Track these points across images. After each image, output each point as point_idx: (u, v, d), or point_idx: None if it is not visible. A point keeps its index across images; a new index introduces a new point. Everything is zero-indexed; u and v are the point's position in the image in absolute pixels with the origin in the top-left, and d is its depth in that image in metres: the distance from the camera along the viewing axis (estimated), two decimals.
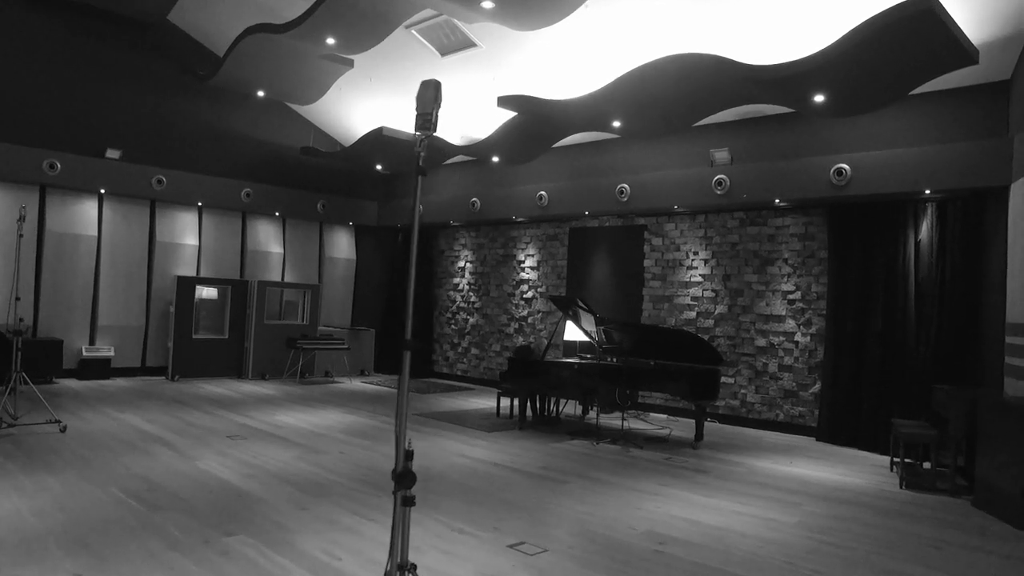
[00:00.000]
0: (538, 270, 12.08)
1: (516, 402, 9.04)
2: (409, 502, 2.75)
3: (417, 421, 8.87)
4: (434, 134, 2.85)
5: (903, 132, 7.94)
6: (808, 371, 8.99)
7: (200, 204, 12.09)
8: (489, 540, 4.59)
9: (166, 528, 4.52)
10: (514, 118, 9.61)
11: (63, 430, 7.19)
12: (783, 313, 9.25)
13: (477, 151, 10.65)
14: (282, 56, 9.93)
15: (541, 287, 11.97)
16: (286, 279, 13.23)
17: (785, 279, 9.27)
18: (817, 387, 8.88)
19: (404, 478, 2.68)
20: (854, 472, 7.06)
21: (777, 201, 8.94)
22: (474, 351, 13.02)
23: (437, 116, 2.76)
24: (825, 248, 8.93)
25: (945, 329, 7.73)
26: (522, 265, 12.32)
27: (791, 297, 9.19)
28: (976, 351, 7.50)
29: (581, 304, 8.54)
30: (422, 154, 2.82)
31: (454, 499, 5.49)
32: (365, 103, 12.01)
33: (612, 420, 9.39)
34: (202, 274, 12.23)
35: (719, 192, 9.25)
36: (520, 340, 11.98)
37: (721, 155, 9.41)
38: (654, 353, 8.53)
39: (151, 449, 6.67)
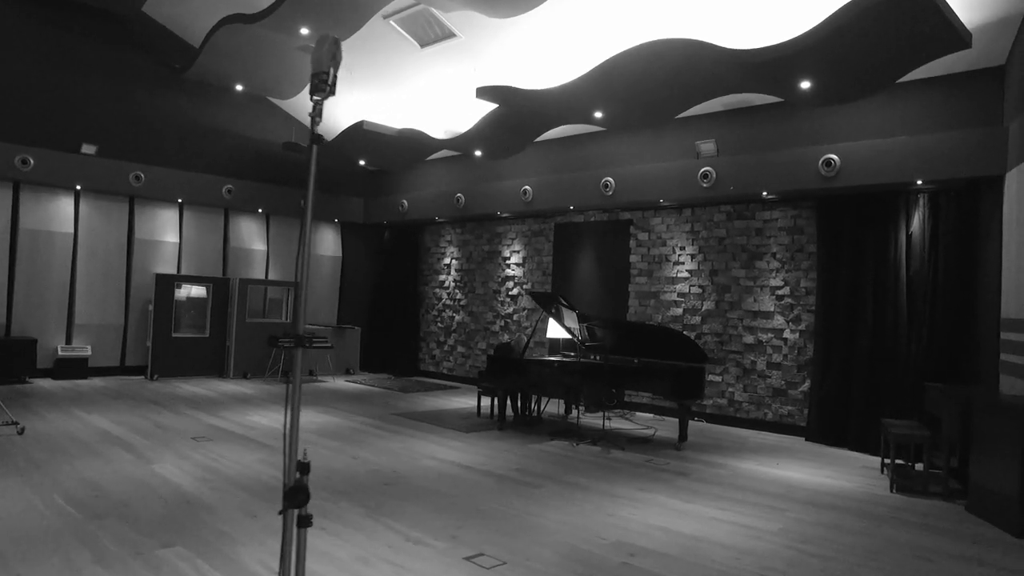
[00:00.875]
0: (523, 266, 11.69)
1: (496, 401, 8.65)
2: (305, 522, 2.34)
3: (393, 421, 8.48)
4: (333, 96, 2.45)
5: (893, 121, 7.54)
6: (797, 369, 8.60)
7: (180, 201, 11.71)
8: (445, 551, 4.20)
9: (99, 539, 4.14)
10: (495, 110, 9.23)
11: (20, 432, 6.82)
12: (771, 309, 8.85)
13: (459, 145, 10.26)
14: (258, 48, 9.55)
15: (526, 283, 11.58)
16: (270, 277, 12.85)
17: (773, 274, 8.87)
18: (806, 385, 8.49)
19: (295, 495, 2.27)
20: (842, 474, 6.67)
21: (765, 194, 8.54)
22: (460, 349, 12.63)
23: (335, 77, 2.37)
24: (814, 242, 8.53)
25: (938, 325, 7.33)
26: (507, 262, 11.94)
27: (779, 293, 8.80)
28: (970, 348, 7.10)
29: (563, 301, 8.15)
30: (317, 120, 2.43)
31: (415, 505, 5.11)
32: (347, 97, 11.62)
33: (595, 420, 9.00)
34: (183, 272, 11.85)
35: (705, 185, 8.86)
36: (505, 338, 11.59)
37: (707, 147, 9.02)
38: (638, 351, 8.14)
39: (108, 452, 6.29)
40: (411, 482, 5.76)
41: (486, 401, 9.04)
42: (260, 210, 12.60)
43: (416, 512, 4.95)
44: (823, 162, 7.84)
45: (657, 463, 6.84)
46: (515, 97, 8.39)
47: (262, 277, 12.71)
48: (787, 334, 8.70)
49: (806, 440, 8.26)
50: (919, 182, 7.34)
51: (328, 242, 13.77)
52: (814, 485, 6.20)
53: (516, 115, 9.10)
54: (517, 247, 11.80)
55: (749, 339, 9.00)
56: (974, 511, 5.43)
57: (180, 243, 11.89)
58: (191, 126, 11.81)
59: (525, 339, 8.90)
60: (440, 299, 13.09)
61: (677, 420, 7.88)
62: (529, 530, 4.67)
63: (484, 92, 8.44)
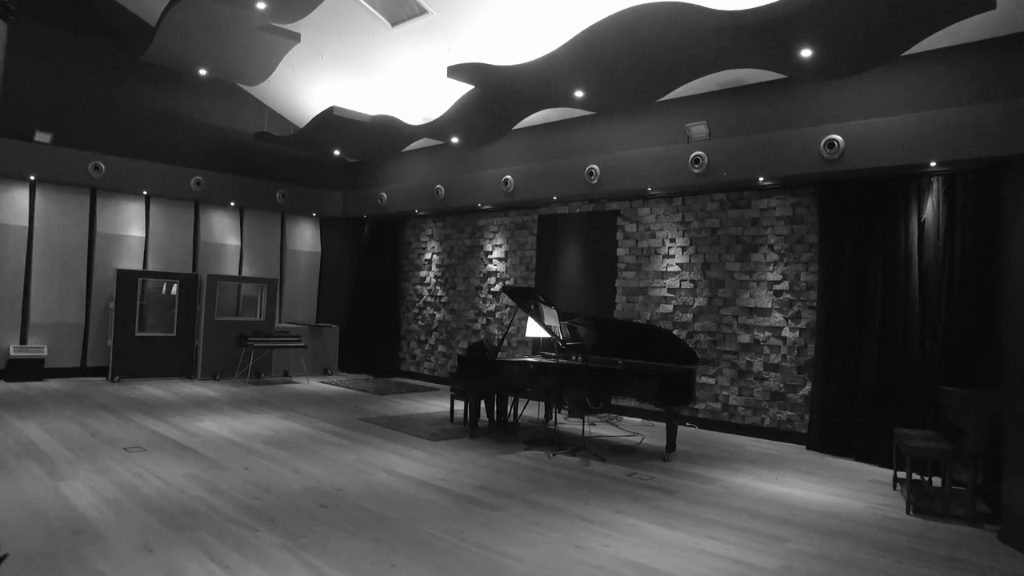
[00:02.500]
0: (506, 261, 10.77)
1: (468, 406, 7.74)
2: None
3: (357, 427, 7.57)
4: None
5: (904, 96, 6.61)
6: (797, 370, 7.67)
7: (146, 193, 10.82)
8: None
9: None
10: (470, 92, 8.33)
11: None
12: (769, 306, 7.93)
13: (435, 131, 9.35)
14: (218, 28, 8.64)
15: (509, 279, 10.67)
16: (244, 273, 11.96)
17: (771, 267, 7.94)
18: (807, 389, 7.56)
19: None
20: (850, 491, 5.74)
21: (761, 180, 7.62)
22: (441, 348, 11.72)
23: None
24: (815, 232, 7.60)
25: (955, 322, 6.40)
26: (489, 256, 11.02)
27: (778, 288, 7.87)
28: (992, 348, 6.15)
29: (541, 298, 7.24)
30: None
31: (348, 534, 4.20)
32: (320, 83, 10.73)
33: (578, 426, 8.08)
34: (150, 267, 10.97)
35: (697, 171, 7.94)
36: (496, 336, 10.66)
37: (698, 130, 8.09)
38: (624, 351, 7.23)
39: (17, 467, 5.39)
40: (352, 503, 4.85)
41: (459, 405, 8.14)
42: (232, 203, 11.70)
43: (345, 544, 4.04)
44: (825, 143, 6.92)
45: (640, 477, 5.92)
46: (489, 75, 7.48)
47: (235, 273, 11.82)
48: (786, 333, 7.77)
49: (807, 448, 7.33)
50: (932, 164, 6.42)
51: (306, 237, 12.87)
52: (819, 505, 5.27)
53: (493, 97, 8.19)
54: (499, 241, 10.89)
55: (745, 338, 8.07)
56: (1009, 540, 4.50)
57: (146, 237, 11.01)
58: (155, 114, 10.92)
59: (498, 337, 7.99)
60: (421, 296, 12.18)
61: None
62: (474, 567, 3.75)
63: (456, 71, 7.54)
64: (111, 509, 4.47)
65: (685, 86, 7.84)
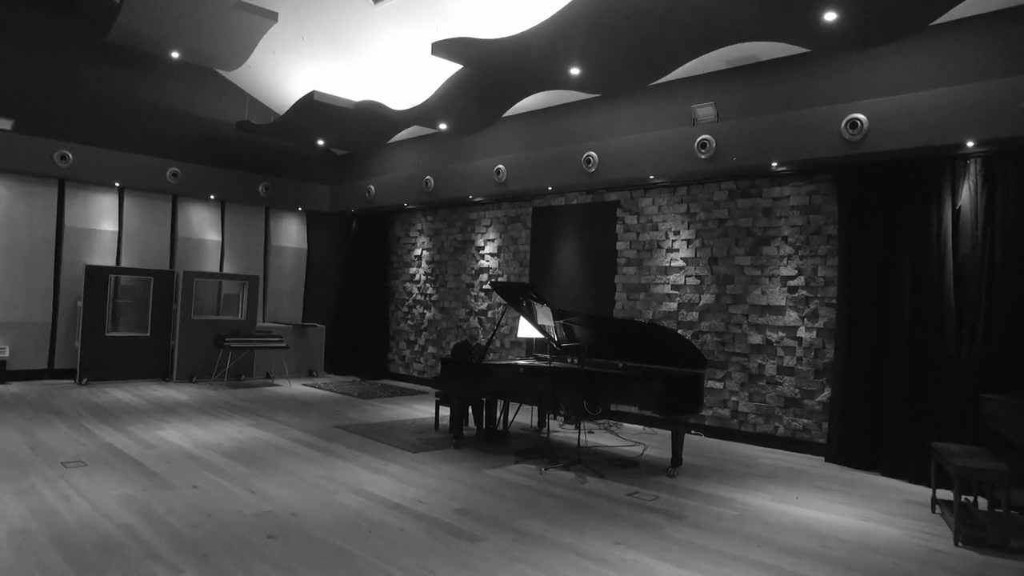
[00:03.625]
0: (499, 256, 9.97)
1: (452, 413, 6.96)
2: None
3: (332, 437, 6.78)
4: None
5: (938, 68, 5.81)
6: (815, 374, 6.86)
7: (118, 184, 10.04)
8: None
9: None
10: (459, 73, 7.55)
11: None
12: (783, 303, 7.12)
13: (421, 116, 8.55)
14: (189, 5, 7.87)
15: (502, 275, 9.87)
16: (226, 270, 11.17)
17: (785, 262, 7.14)
18: (826, 394, 6.75)
19: None
20: (883, 514, 4.93)
21: (775, 165, 6.82)
22: (431, 349, 10.93)
23: None
24: (834, 222, 6.80)
25: (995, 321, 5.58)
26: (481, 252, 10.22)
27: (792, 284, 7.06)
28: None
29: (532, 294, 6.44)
30: None
31: (295, 573, 3.41)
32: (303, 68, 9.94)
33: (574, 435, 7.29)
34: (124, 263, 10.19)
35: (703, 156, 7.14)
36: (481, 337, 9.88)
37: (705, 112, 7.29)
38: (625, 353, 6.44)
39: None
40: (307, 532, 4.06)
41: (445, 411, 7.34)
42: (212, 196, 10.92)
43: None
44: (847, 124, 6.12)
45: (643, 497, 5.12)
46: (477, 51, 6.69)
47: (215, 270, 11.04)
48: (802, 333, 6.97)
49: (826, 461, 6.53)
50: (969, 144, 5.62)
51: (292, 232, 12.08)
52: (850, 532, 4.47)
53: (483, 79, 7.41)
54: (492, 235, 10.09)
55: (756, 339, 7.27)
56: None
57: (120, 232, 10.23)
58: (127, 101, 10.12)
59: (482, 338, 7.20)
60: (411, 294, 11.38)
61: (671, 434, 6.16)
62: None
63: (441, 48, 6.75)
64: (12, 544, 3.68)
65: (691, 64, 7.07)
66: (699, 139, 7.17)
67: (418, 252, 11.28)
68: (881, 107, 5.97)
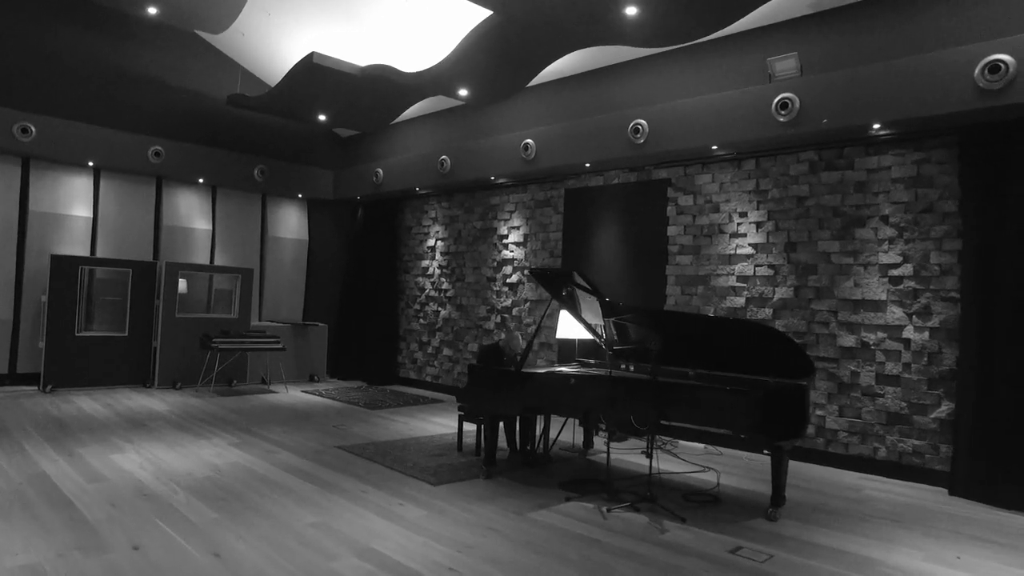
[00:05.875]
0: (525, 246, 8.48)
1: (482, 432, 5.48)
2: None
3: (331, 462, 5.28)
4: None
5: None
6: (928, 384, 5.37)
7: (92, 164, 8.56)
8: None
9: None
10: (484, 23, 6.10)
11: None
12: (883, 297, 5.63)
13: (436, 80, 7.09)
14: None
15: (529, 267, 8.38)
16: (216, 262, 9.70)
17: (885, 247, 5.65)
18: (945, 410, 5.26)
19: None
20: None
21: (876, 127, 5.35)
22: (446, 352, 9.43)
23: None
24: (952, 197, 5.32)
25: None
26: (505, 241, 8.73)
27: (895, 274, 5.58)
28: None
29: (579, 281, 4.96)
30: None
31: None
32: (302, 33, 8.45)
33: (624, 452, 5.81)
34: (100, 253, 8.71)
35: (783, 119, 5.65)
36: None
37: (785, 65, 5.81)
38: (693, 358, 4.96)
39: None
40: None
41: (470, 426, 5.87)
42: (202, 180, 9.44)
43: None
44: (985, 68, 4.64)
45: (751, 554, 3.62)
46: None
47: (205, 262, 9.56)
48: (909, 333, 5.48)
49: (950, 494, 5.03)
50: None
51: (291, 222, 10.60)
52: None
53: (513, 28, 5.95)
54: (516, 222, 8.60)
55: (847, 340, 5.78)
56: None
57: (95, 218, 8.75)
58: (102, 68, 8.62)
59: (521, 341, 5.74)
60: (423, 290, 9.90)
61: (739, 452, 4.67)
62: None
63: None
64: None
65: (766, 9, 5.66)
66: (778, 99, 5.69)
67: (431, 243, 9.79)
68: None
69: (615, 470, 5.32)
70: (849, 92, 5.36)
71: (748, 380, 4.61)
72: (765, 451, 5.29)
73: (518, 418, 5.59)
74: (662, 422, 5.38)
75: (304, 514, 4.01)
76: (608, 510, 4.33)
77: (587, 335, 5.69)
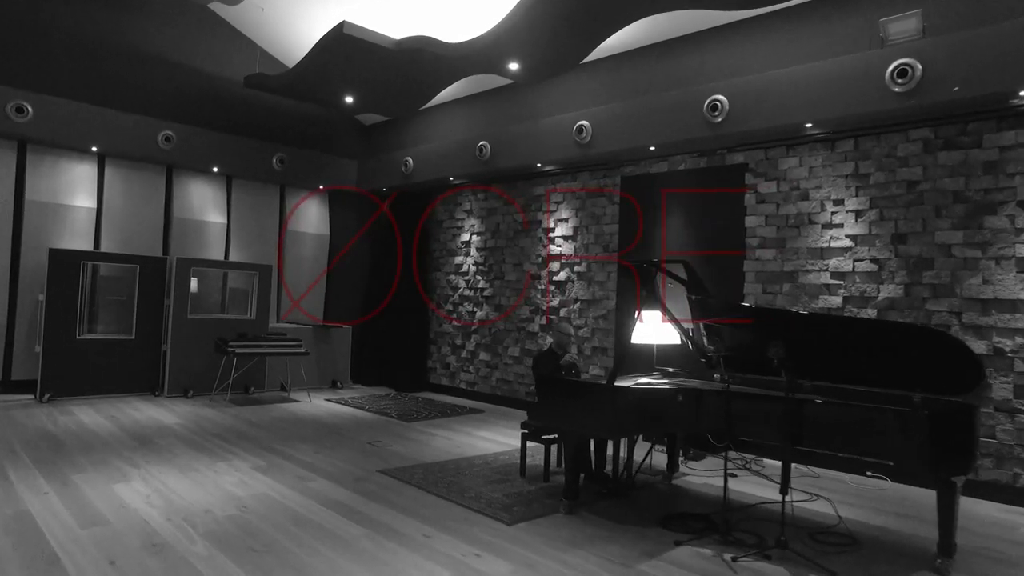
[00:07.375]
0: (575, 240, 7.54)
1: (558, 455, 4.53)
2: None
3: (375, 492, 4.33)
4: None
5: None
6: None
7: (96, 149, 7.62)
8: None
9: None
10: None
11: None
12: (1021, 296, 4.70)
13: (484, 52, 6.14)
14: None
15: (579, 265, 7.44)
16: (232, 258, 8.76)
17: (1023, 237, 4.72)
18: None
19: None
20: None
21: (1023, 94, 4.41)
22: (483, 356, 8.48)
23: None
24: None
25: None
26: (551, 235, 7.79)
27: None
28: None
29: (678, 274, 4.02)
30: None
31: None
32: (327, 9, 7.52)
33: (708, 478, 4.87)
34: (104, 248, 7.77)
35: (899, 88, 4.72)
36: (548, 342, 7.45)
37: (901, 26, 4.87)
38: (811, 369, 4.01)
39: None
40: None
41: (532, 445, 4.93)
42: (216, 169, 8.50)
43: None
44: None
45: None
46: None
47: (220, 257, 8.61)
48: None
49: None
50: None
51: (312, 216, 9.65)
52: None
53: None
54: (565, 214, 7.65)
55: (977, 347, 4.83)
56: None
57: (99, 209, 7.81)
58: (107, 44, 7.67)
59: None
60: (456, 288, 8.95)
61: (836, 474, 3.72)
62: None
63: None
64: None
65: None
66: (895, 65, 4.75)
67: (466, 237, 8.85)
68: None
69: (701, 497, 4.38)
70: (987, 54, 4.43)
71: (914, 400, 3.62)
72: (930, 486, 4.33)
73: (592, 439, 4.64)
74: (797, 447, 4.25)
75: (358, 572, 3.07)
76: (734, 559, 3.39)
77: (674, 339, 4.75)
